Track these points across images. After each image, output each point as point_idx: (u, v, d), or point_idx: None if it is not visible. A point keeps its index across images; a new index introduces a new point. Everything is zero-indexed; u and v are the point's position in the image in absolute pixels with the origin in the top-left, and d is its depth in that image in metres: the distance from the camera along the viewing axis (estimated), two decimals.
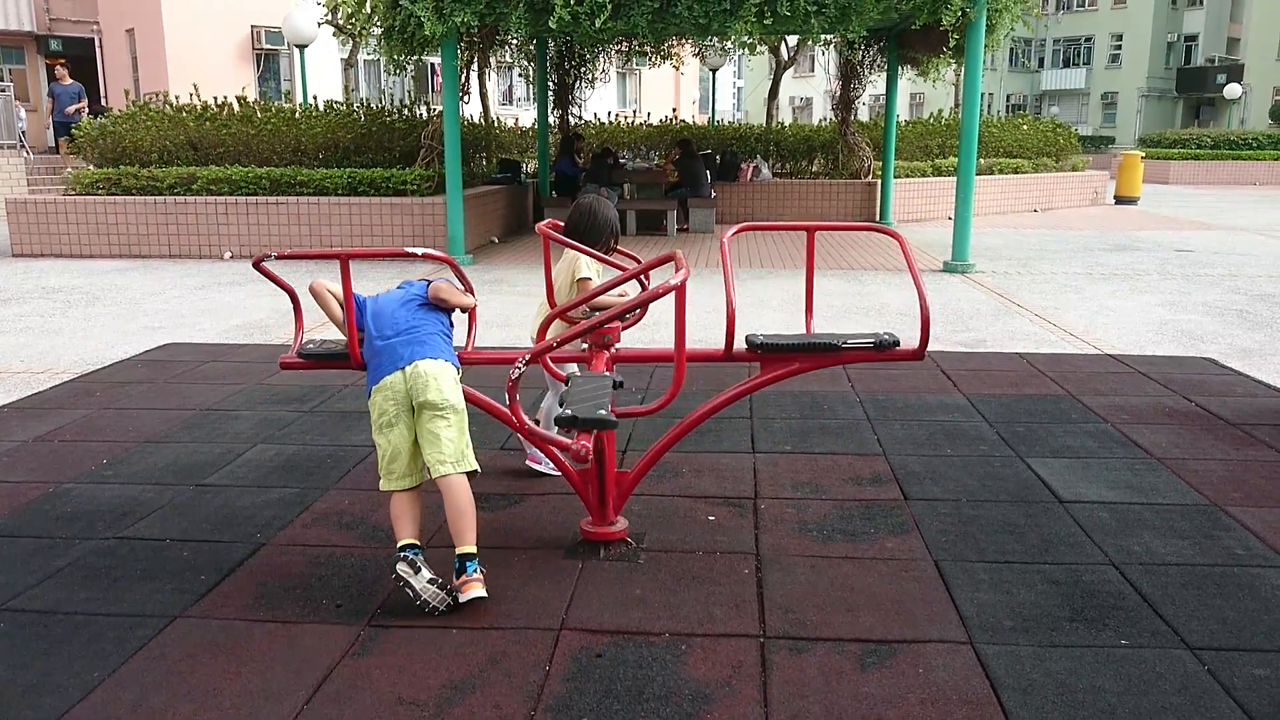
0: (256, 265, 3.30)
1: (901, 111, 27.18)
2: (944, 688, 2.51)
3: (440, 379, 2.99)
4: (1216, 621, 2.84)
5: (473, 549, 2.92)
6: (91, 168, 12.14)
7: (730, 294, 3.29)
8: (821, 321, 7.45)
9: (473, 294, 3.34)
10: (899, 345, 3.38)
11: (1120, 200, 19.87)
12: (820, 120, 18.98)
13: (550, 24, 9.61)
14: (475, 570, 2.90)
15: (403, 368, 3.00)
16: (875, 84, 15.65)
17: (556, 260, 4.05)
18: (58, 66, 18.64)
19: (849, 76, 15.10)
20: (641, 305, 3.08)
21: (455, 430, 2.99)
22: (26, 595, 3.02)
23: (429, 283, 3.27)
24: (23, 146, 17.72)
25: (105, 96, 23.93)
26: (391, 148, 12.34)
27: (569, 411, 2.88)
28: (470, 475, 2.98)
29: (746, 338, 3.40)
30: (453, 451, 2.96)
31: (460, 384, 3.12)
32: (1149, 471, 4.11)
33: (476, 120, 15.75)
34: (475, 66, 13.29)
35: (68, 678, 2.56)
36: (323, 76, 22.68)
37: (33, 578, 3.14)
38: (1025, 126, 18.85)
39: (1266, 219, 16.41)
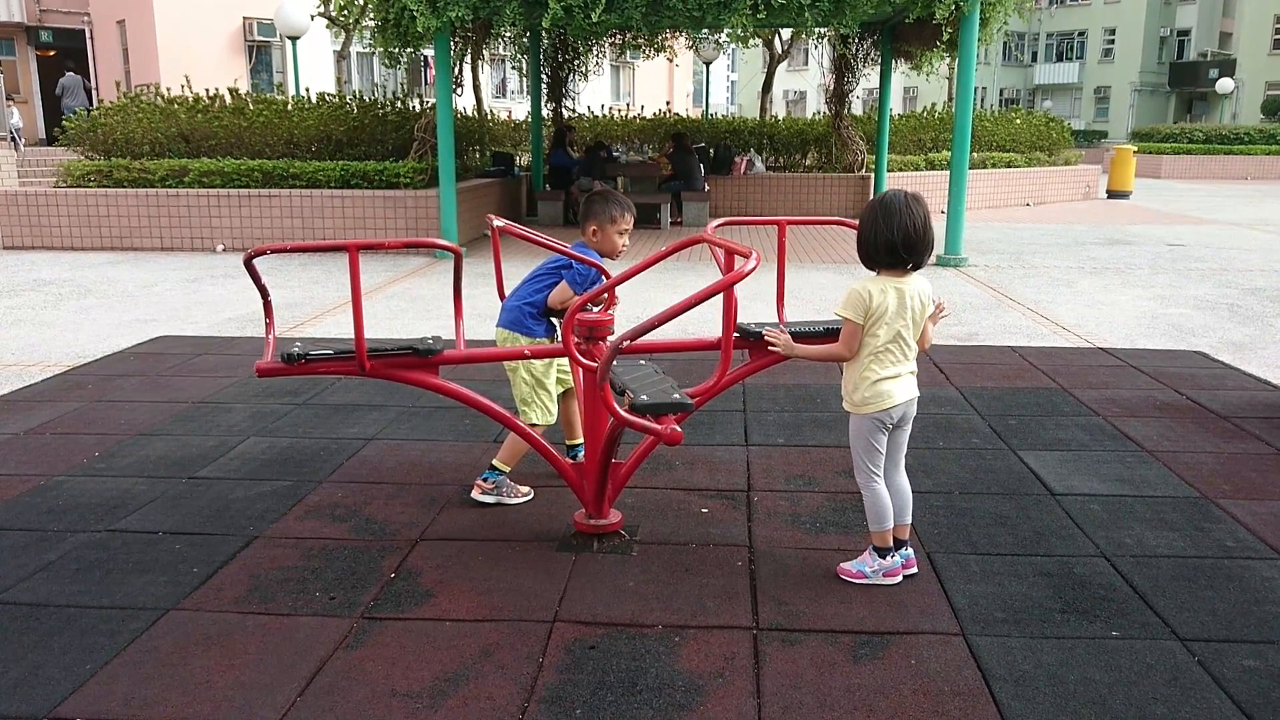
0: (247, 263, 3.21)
1: (895, 105, 27.19)
2: (936, 679, 2.52)
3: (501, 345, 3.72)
4: (1207, 613, 2.86)
5: (499, 464, 3.70)
6: (83, 159, 12.08)
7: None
8: (815, 315, 7.45)
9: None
10: None
11: (1112, 195, 19.92)
12: (814, 114, 19.00)
13: (545, 21, 9.56)
14: (488, 478, 3.70)
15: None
16: (869, 78, 15.65)
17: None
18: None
19: (842, 70, 15.10)
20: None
21: (515, 385, 3.73)
22: (18, 588, 3.01)
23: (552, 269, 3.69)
24: (14, 139, 17.62)
25: (96, 89, 23.81)
26: (384, 140, 12.30)
27: (644, 398, 2.80)
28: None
29: (738, 326, 3.43)
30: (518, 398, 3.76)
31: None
32: (1140, 464, 4.13)
33: (469, 113, 15.71)
34: (468, 59, 13.25)
35: (59, 670, 2.56)
36: (315, 69, 22.60)
37: (24, 570, 3.13)
38: (1018, 120, 18.88)
39: (1257, 214, 16.47)
